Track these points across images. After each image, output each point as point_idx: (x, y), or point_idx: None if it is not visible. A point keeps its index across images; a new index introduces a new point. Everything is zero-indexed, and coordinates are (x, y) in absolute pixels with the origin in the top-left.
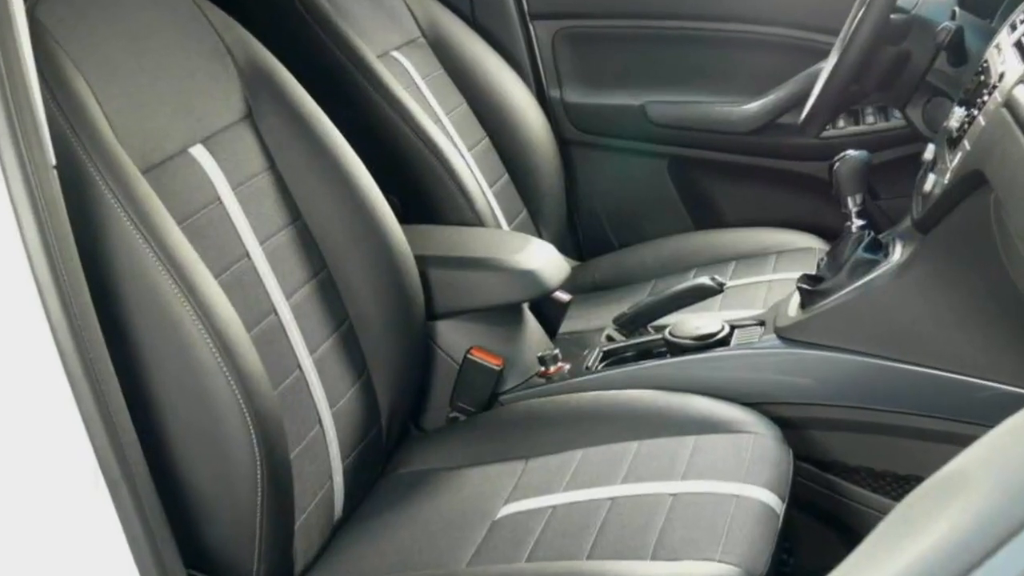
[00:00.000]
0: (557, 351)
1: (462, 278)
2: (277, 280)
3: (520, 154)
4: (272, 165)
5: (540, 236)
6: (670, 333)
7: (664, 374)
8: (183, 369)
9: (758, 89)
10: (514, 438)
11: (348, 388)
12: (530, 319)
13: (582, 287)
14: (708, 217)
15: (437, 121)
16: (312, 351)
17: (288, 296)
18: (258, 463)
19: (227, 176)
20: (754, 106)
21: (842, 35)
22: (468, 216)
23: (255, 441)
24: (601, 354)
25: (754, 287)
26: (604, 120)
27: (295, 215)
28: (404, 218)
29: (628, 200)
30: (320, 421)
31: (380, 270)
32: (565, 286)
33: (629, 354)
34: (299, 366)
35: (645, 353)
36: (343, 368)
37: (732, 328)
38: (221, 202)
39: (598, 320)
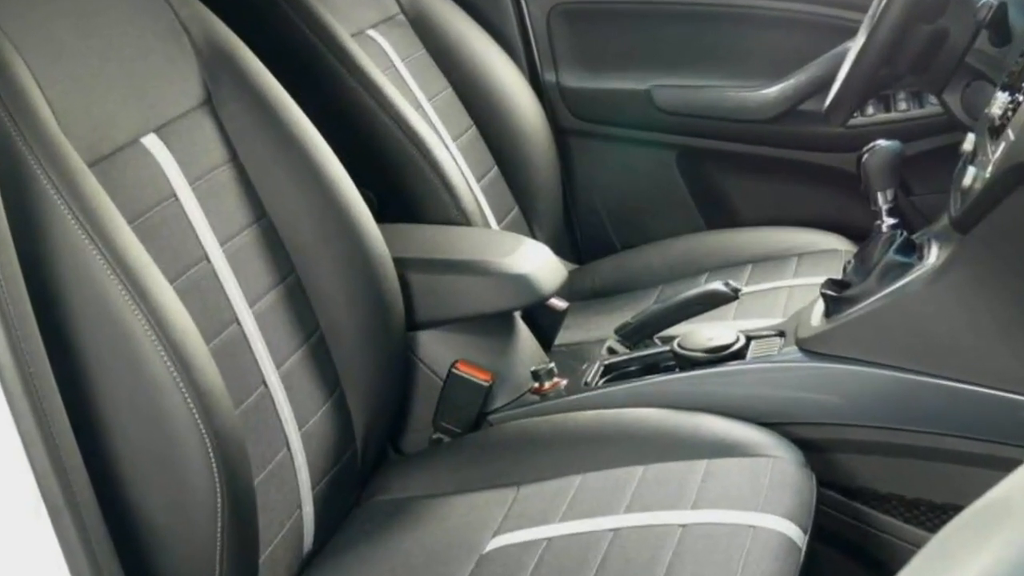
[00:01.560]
0: (552, 365)
1: (446, 283)
2: (239, 286)
3: (511, 145)
4: (234, 157)
5: (533, 236)
6: (679, 345)
7: (672, 391)
8: (134, 385)
9: (777, 72)
10: (504, 462)
11: (319, 406)
12: (522, 329)
13: (580, 293)
14: (721, 215)
15: (418, 107)
16: (279, 365)
17: (252, 304)
18: (218, 490)
19: (183, 169)
20: (773, 91)
21: (871, 12)
22: (453, 214)
23: (215, 465)
24: (602, 368)
25: (773, 293)
26: (605, 107)
27: (259, 213)
28: (381, 216)
29: (632, 196)
30: (288, 443)
31: (354, 274)
32: (561, 292)
33: (633, 368)
34: (264, 382)
35: (651, 367)
36: (313, 384)
37: (748, 339)
38: (177, 198)
39: (598, 330)
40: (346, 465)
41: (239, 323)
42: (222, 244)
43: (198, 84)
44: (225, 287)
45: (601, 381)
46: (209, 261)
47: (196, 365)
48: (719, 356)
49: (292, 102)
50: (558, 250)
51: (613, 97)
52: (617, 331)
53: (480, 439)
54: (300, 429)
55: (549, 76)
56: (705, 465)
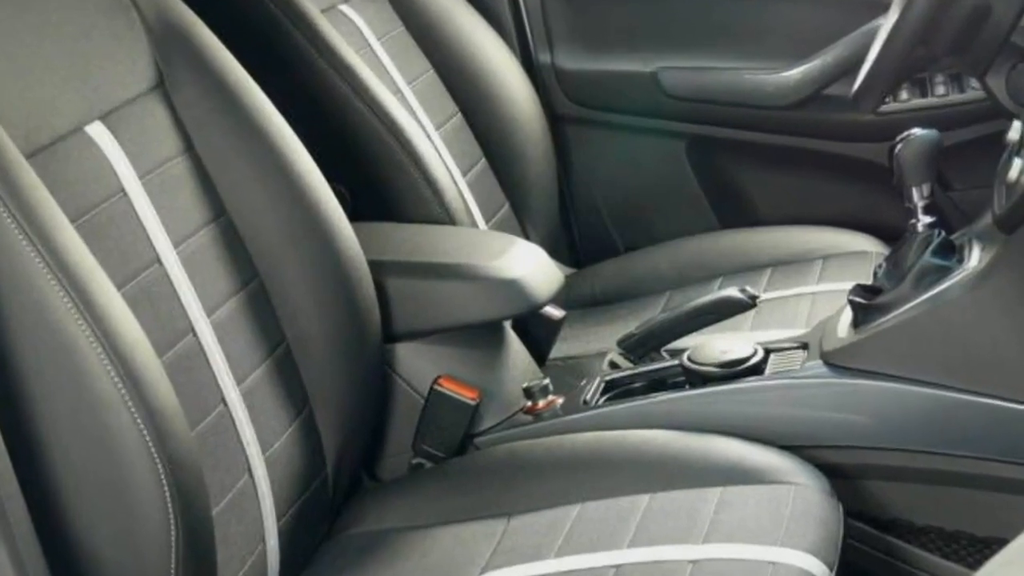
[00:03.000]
0: (547, 381)
1: (428, 290)
2: (195, 292)
3: (501, 134)
4: (189, 147)
5: (526, 237)
6: (689, 359)
7: (682, 410)
8: (77, 403)
9: (800, 52)
10: (493, 490)
11: (285, 427)
12: (513, 341)
13: (579, 300)
14: (736, 213)
15: (396, 92)
16: (240, 381)
17: (209, 312)
18: (171, 520)
19: (132, 161)
20: (795, 73)
21: None
22: (435, 212)
23: (167, 492)
24: (603, 385)
25: (794, 301)
26: (606, 91)
27: (218, 211)
28: (355, 214)
29: (636, 192)
30: (250, 469)
31: (325, 279)
32: (557, 299)
33: (638, 385)
34: (223, 400)
35: (658, 383)
36: (279, 402)
37: (767, 352)
38: (126, 193)
39: (599, 342)
40: (315, 494)
41: (195, 334)
42: (176, 245)
43: (149, 65)
44: (179, 293)
45: (602, 399)
46: (162, 264)
47: (147, 381)
48: (734, 371)
49: (255, 86)
50: (554, 252)
51: (615, 80)
52: (620, 343)
53: (466, 464)
54: (264, 453)
55: (544, 57)
56: (719, 494)
